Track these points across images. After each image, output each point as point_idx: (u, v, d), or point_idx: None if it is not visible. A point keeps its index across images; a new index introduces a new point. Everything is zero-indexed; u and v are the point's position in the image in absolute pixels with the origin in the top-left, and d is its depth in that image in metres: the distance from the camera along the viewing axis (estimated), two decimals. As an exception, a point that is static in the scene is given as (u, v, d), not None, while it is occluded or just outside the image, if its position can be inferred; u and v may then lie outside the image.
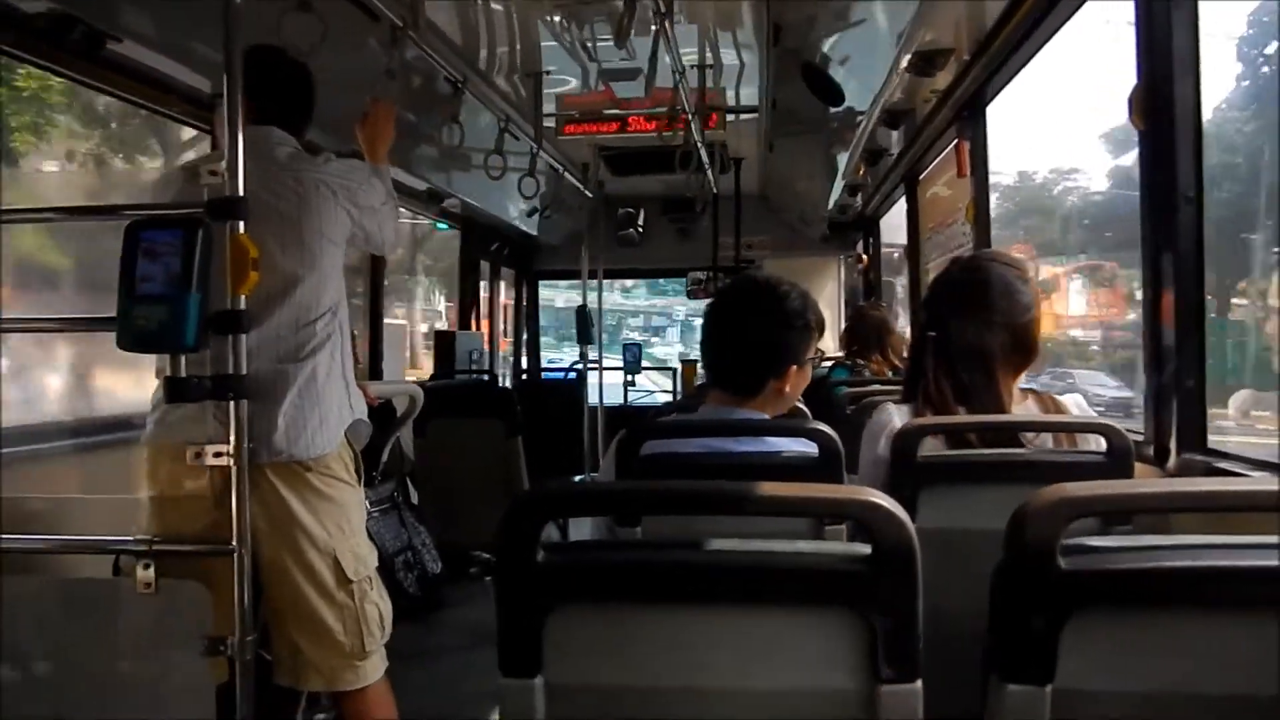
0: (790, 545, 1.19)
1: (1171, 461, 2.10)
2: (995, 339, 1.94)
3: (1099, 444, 1.85)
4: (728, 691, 1.16)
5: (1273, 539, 1.09)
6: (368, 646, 2.30)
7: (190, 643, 1.94)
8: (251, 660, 1.95)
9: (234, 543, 1.97)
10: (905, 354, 4.44)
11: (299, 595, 2.25)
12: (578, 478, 6.17)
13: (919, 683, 1.12)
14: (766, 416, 2.03)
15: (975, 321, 1.94)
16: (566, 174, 5.45)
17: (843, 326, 6.98)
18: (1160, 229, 2.15)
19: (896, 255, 6.47)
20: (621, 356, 8.08)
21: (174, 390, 1.94)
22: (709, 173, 5.33)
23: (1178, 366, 2.10)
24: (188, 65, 2.99)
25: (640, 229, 7.73)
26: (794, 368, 2.01)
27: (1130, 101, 2.19)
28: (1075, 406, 2.03)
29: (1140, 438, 2.18)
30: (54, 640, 2.05)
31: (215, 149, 2.67)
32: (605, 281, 6.51)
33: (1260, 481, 1.71)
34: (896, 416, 1.99)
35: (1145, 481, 1.94)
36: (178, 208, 2.08)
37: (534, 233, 7.25)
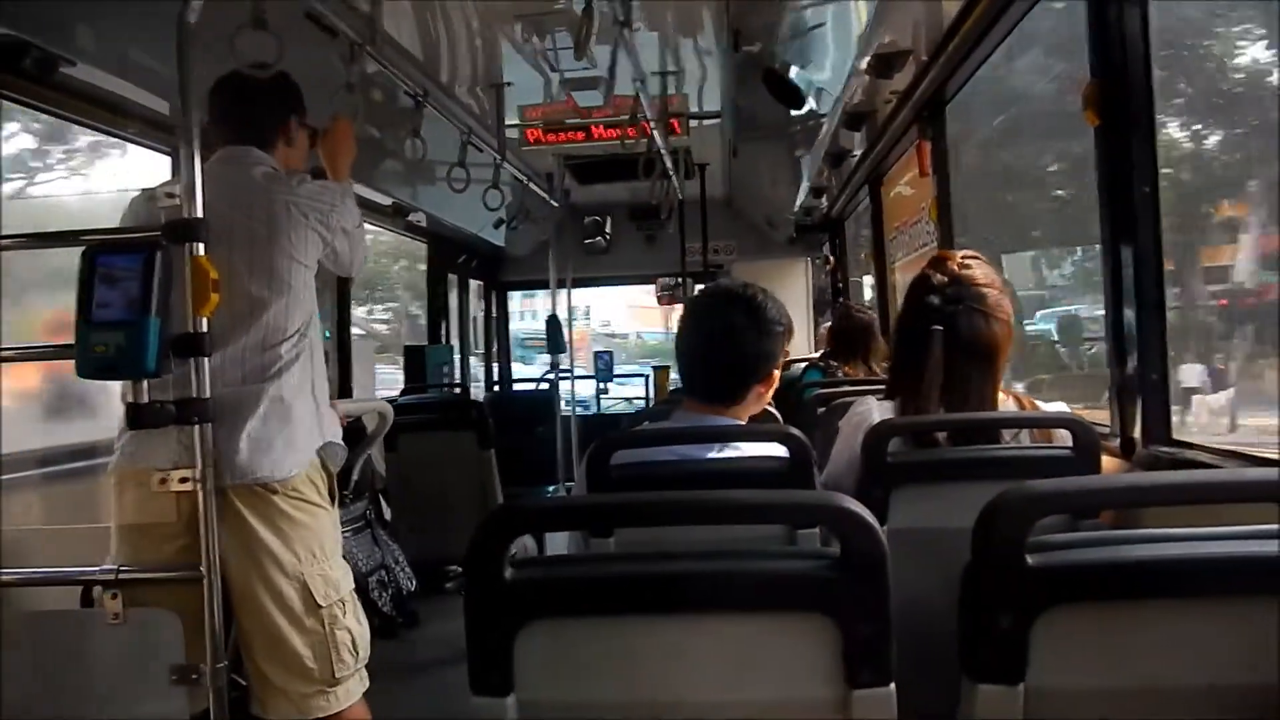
0: (760, 552, 1.19)
1: (1138, 453, 2.12)
2: (1000, 333, 1.95)
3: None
4: (702, 703, 1.16)
5: (1240, 528, 1.10)
6: (338, 673, 2.26)
7: (162, 672, 1.91)
8: (225, 688, 1.92)
9: (203, 569, 1.95)
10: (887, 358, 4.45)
11: (267, 621, 2.21)
12: (551, 488, 6.15)
13: (892, 686, 1.12)
14: (741, 422, 2.04)
15: (984, 316, 1.94)
16: (531, 184, 5.44)
17: (812, 328, 7.02)
18: (1118, 223, 2.17)
19: (863, 255, 6.51)
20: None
21: (136, 416, 1.91)
22: (674, 179, 5.34)
23: (1140, 360, 2.11)
24: (146, 87, 2.96)
25: (608, 237, 7.74)
26: (774, 371, 2.03)
27: (1084, 98, 2.21)
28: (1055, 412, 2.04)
29: (1106, 430, 2.20)
30: (23, 674, 2.01)
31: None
32: None
33: (1226, 473, 1.73)
34: (876, 411, 1.99)
35: (1112, 477, 1.95)
36: (135, 231, 2.06)
37: (501, 244, 7.23)
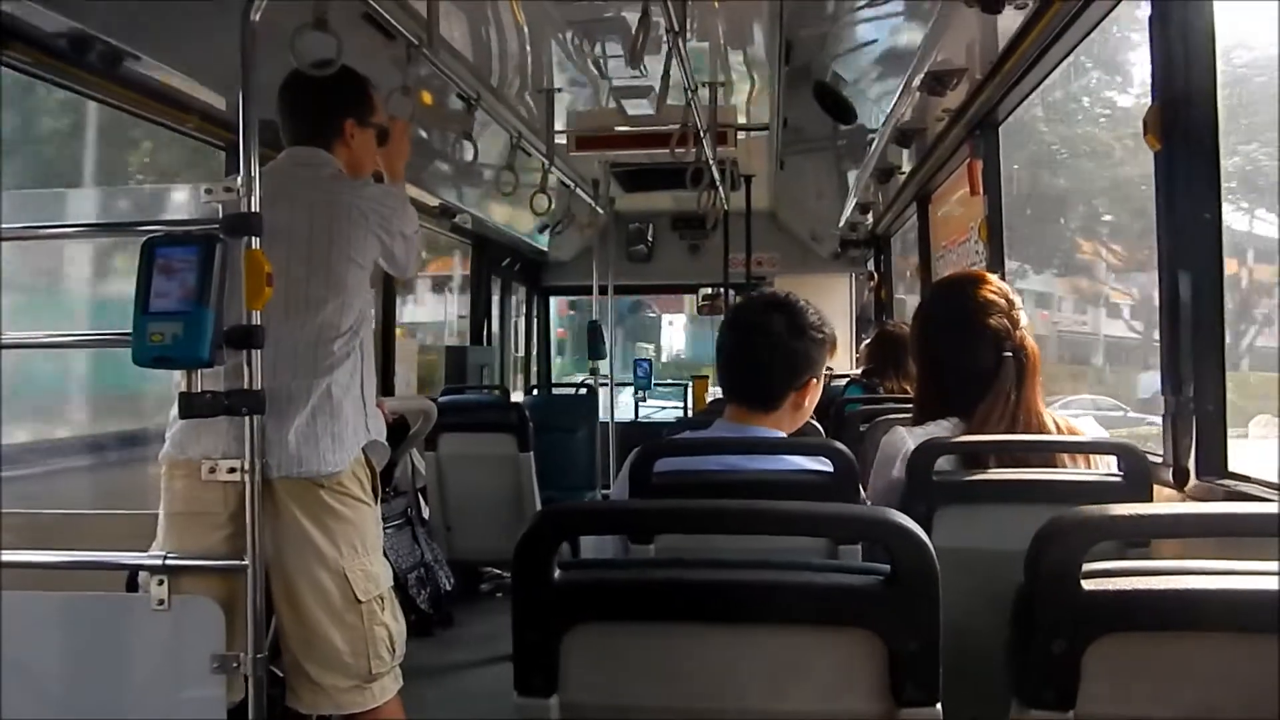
0: (809, 564, 1.18)
1: (1191, 484, 2.08)
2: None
3: (1109, 468, 1.86)
4: (745, 712, 1.15)
5: None
6: (374, 669, 2.27)
7: (203, 660, 1.93)
8: (264, 678, 1.94)
9: (247, 559, 1.97)
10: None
11: (306, 614, 2.23)
12: (589, 494, 6.16)
13: (939, 706, 1.11)
14: (782, 433, 2.03)
15: (1031, 337, 1.99)
16: (578, 190, 5.46)
17: (854, 345, 6.98)
18: (1177, 249, 2.13)
19: (909, 273, 6.47)
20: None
21: (189, 406, 1.94)
22: (720, 190, 5.33)
23: (1197, 388, 2.07)
24: (207, 83, 3.01)
25: (650, 245, 7.74)
26: (812, 380, 2.02)
27: (1145, 122, 2.18)
28: (1088, 432, 2.03)
29: (1158, 459, 2.16)
30: (66, 657, 2.05)
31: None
32: None
33: None
34: (910, 439, 1.98)
35: (1171, 505, 1.92)
36: (193, 224, 2.09)
37: (545, 248, 7.26)
